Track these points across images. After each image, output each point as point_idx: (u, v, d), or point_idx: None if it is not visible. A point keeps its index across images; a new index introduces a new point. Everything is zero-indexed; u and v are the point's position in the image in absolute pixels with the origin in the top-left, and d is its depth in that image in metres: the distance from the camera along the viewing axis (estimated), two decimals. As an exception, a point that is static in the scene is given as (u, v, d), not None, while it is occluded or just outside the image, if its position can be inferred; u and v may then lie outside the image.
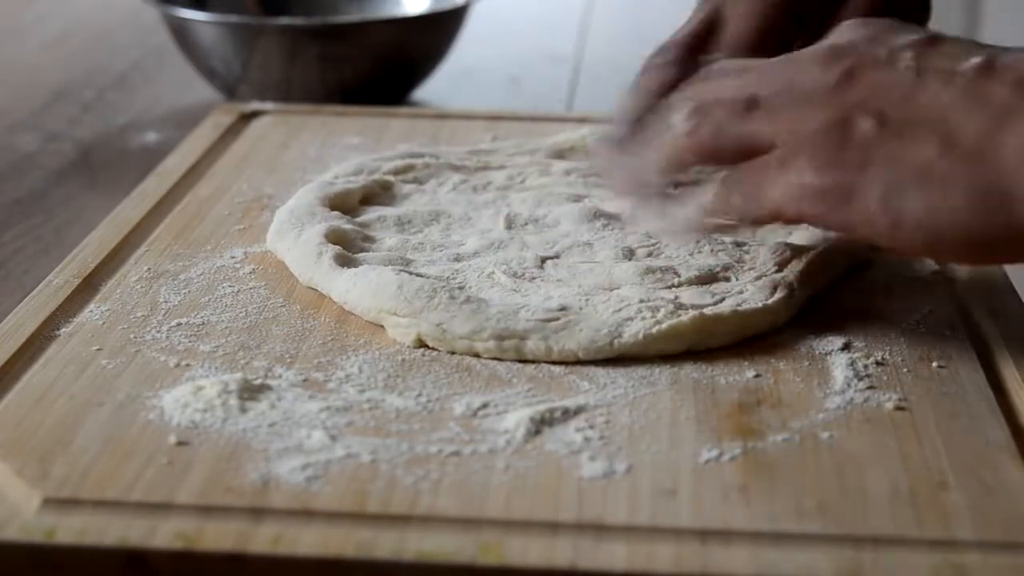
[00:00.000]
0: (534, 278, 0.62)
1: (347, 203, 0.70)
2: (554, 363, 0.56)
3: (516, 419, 0.52)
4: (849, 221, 0.53)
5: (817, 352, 0.58)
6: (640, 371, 0.56)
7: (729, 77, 0.58)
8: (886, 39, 0.55)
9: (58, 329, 0.59)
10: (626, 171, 0.61)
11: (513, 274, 0.62)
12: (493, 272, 0.62)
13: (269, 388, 0.54)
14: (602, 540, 0.45)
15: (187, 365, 0.56)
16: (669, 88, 0.62)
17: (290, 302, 0.62)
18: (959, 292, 0.63)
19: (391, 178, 0.74)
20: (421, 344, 0.58)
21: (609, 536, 0.45)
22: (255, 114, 0.87)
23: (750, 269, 0.62)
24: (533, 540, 0.45)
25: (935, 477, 0.49)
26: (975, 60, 0.52)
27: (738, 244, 0.65)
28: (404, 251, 0.65)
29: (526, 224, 0.69)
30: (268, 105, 0.89)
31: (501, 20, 1.25)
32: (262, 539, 0.45)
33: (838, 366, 0.56)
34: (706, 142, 0.57)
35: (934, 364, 0.57)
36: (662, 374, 0.56)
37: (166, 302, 0.62)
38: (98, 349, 0.57)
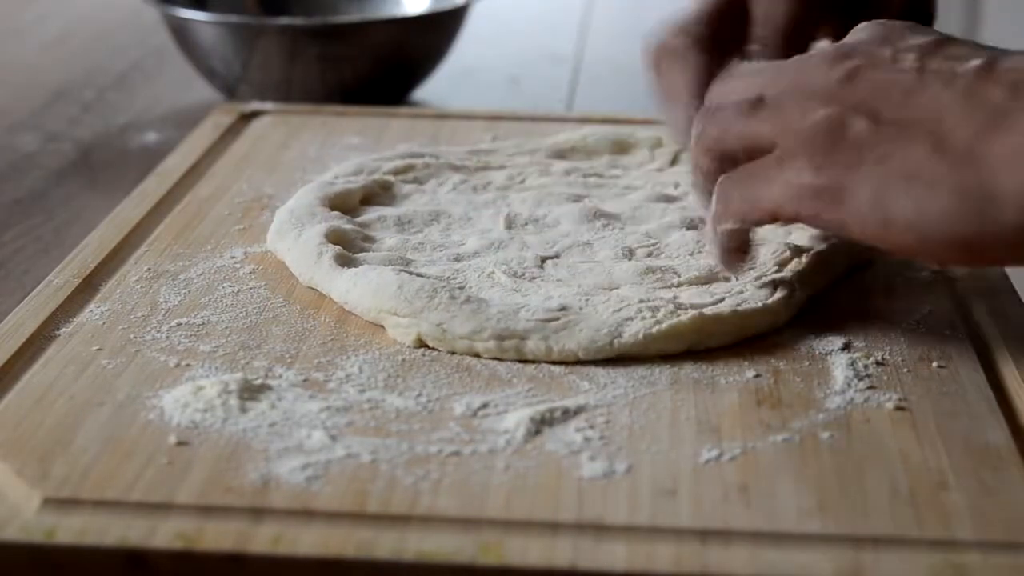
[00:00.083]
0: (534, 278, 0.62)
1: (347, 203, 0.70)
2: (554, 363, 0.56)
3: (516, 419, 0.52)
4: (842, 220, 0.53)
5: (817, 352, 0.58)
6: (640, 371, 0.56)
7: (742, 78, 0.59)
8: (895, 40, 0.55)
9: (58, 329, 0.59)
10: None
11: (513, 274, 0.62)
12: (493, 272, 0.62)
13: (269, 388, 0.54)
14: (602, 540, 0.45)
15: (187, 365, 0.56)
16: (698, 83, 0.62)
17: (290, 302, 0.62)
18: (959, 292, 0.63)
19: (391, 178, 0.74)
20: (421, 344, 0.58)
21: (609, 536, 0.45)
22: (255, 114, 0.87)
23: (750, 269, 0.62)
24: (533, 540, 0.45)
25: (935, 477, 0.49)
26: (976, 62, 0.52)
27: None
28: (404, 251, 0.65)
29: (526, 224, 0.69)
30: (268, 105, 0.89)
31: (501, 20, 1.25)
32: (262, 539, 0.45)
33: (838, 366, 0.56)
34: (713, 145, 0.58)
35: (934, 364, 0.57)
36: (662, 374, 0.56)
37: (166, 302, 0.62)
38: (98, 349, 0.57)
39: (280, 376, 0.55)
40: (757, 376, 0.56)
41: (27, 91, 1.06)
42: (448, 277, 0.62)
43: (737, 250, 0.59)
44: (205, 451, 0.50)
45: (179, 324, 0.59)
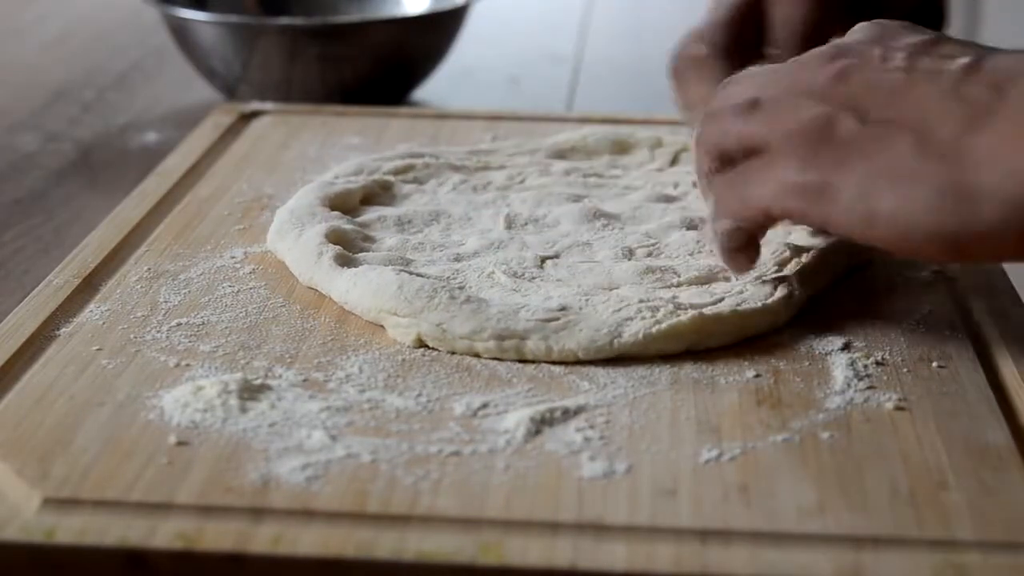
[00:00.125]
0: (534, 278, 0.62)
1: (347, 203, 0.70)
2: (554, 363, 0.56)
3: (516, 419, 0.52)
4: (828, 217, 0.54)
5: (817, 352, 0.58)
6: (640, 371, 0.56)
7: (742, 82, 0.59)
8: (887, 40, 0.56)
9: (58, 329, 0.59)
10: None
11: (513, 274, 0.62)
12: (493, 272, 0.62)
13: (269, 388, 0.54)
14: (602, 540, 0.45)
15: (187, 365, 0.56)
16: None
17: (290, 302, 0.62)
18: (959, 292, 0.63)
19: (391, 178, 0.74)
20: (421, 344, 0.58)
21: (609, 536, 0.45)
22: (255, 114, 0.87)
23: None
24: (533, 540, 0.45)
25: (935, 477, 0.49)
26: (963, 61, 0.53)
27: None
28: (404, 251, 0.65)
29: (526, 224, 0.69)
30: (268, 105, 0.89)
31: (501, 20, 1.25)
32: (262, 539, 0.45)
33: (838, 366, 0.56)
34: (712, 148, 0.59)
35: (934, 364, 0.57)
36: (662, 374, 0.56)
37: (166, 302, 0.62)
38: (98, 349, 0.57)
39: (280, 376, 0.55)
40: (757, 376, 0.56)
41: (27, 91, 1.06)
42: (448, 277, 0.62)
43: (738, 250, 0.59)
44: (205, 451, 0.50)
45: (179, 324, 0.59)
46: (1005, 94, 0.50)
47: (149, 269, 0.65)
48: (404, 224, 0.68)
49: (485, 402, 0.53)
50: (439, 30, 1.00)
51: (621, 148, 0.79)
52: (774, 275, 0.61)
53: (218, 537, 0.45)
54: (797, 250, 0.64)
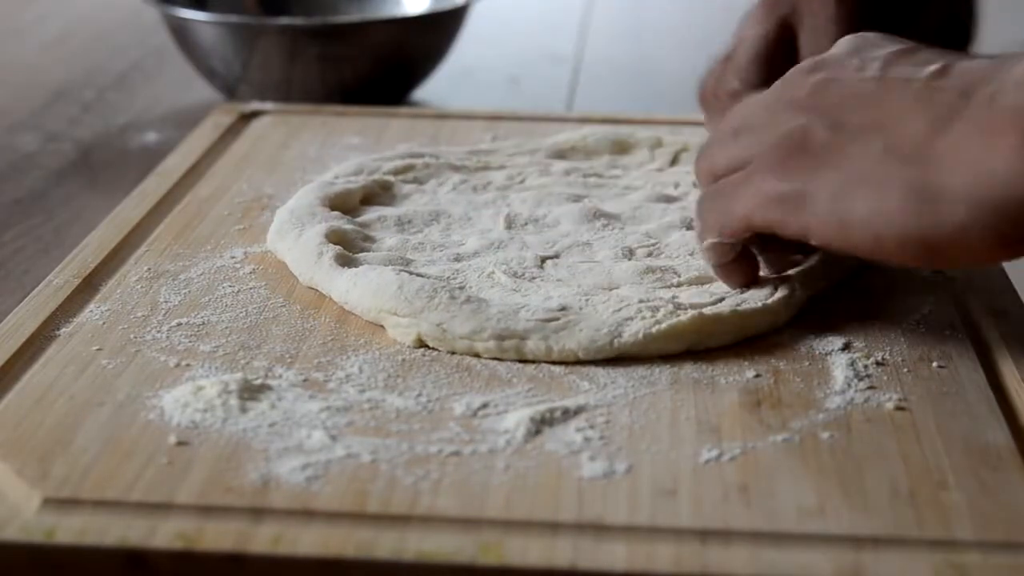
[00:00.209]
0: (534, 278, 0.62)
1: (347, 203, 0.70)
2: (554, 363, 0.56)
3: (516, 419, 0.52)
4: (805, 225, 0.55)
5: (817, 352, 0.58)
6: (640, 371, 0.56)
7: (736, 111, 0.61)
8: (864, 50, 0.57)
9: (58, 329, 0.59)
10: None
11: (513, 274, 0.62)
12: (493, 272, 0.62)
13: (269, 388, 0.54)
14: (602, 540, 0.45)
15: (187, 365, 0.56)
16: None
17: (290, 302, 0.62)
18: (959, 292, 0.63)
19: (391, 178, 0.74)
20: (421, 344, 0.58)
21: (609, 536, 0.45)
22: (255, 114, 0.87)
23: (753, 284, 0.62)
24: (533, 540, 0.45)
25: (935, 477, 0.49)
26: (933, 66, 0.53)
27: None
28: (404, 251, 0.65)
29: (526, 224, 0.69)
30: (268, 105, 0.89)
31: (501, 20, 1.26)
32: (262, 539, 0.45)
33: (838, 366, 0.56)
34: (706, 175, 0.60)
35: (934, 364, 0.57)
36: (662, 374, 0.56)
37: (166, 302, 0.62)
38: (98, 349, 0.57)
39: (280, 376, 0.55)
40: (757, 376, 0.56)
41: (27, 91, 1.06)
42: (448, 277, 0.62)
43: (727, 265, 0.60)
44: (205, 451, 0.50)
45: (179, 324, 0.59)
46: (970, 98, 0.51)
47: (149, 269, 0.65)
48: (404, 224, 0.68)
49: (485, 402, 0.53)
50: (439, 30, 1.00)
51: (621, 148, 0.79)
52: (775, 275, 0.61)
53: (218, 537, 0.45)
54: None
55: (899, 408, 0.53)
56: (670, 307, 0.58)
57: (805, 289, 0.61)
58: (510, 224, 0.68)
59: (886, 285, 0.64)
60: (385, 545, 0.45)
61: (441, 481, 0.48)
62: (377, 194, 0.72)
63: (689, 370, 0.56)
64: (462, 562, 0.44)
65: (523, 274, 0.63)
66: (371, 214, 0.69)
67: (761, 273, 0.61)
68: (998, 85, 0.50)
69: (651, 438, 0.51)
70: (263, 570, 0.44)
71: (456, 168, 0.75)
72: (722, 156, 0.59)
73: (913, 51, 0.55)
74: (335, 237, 0.65)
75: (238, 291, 0.63)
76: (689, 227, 0.67)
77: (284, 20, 1.00)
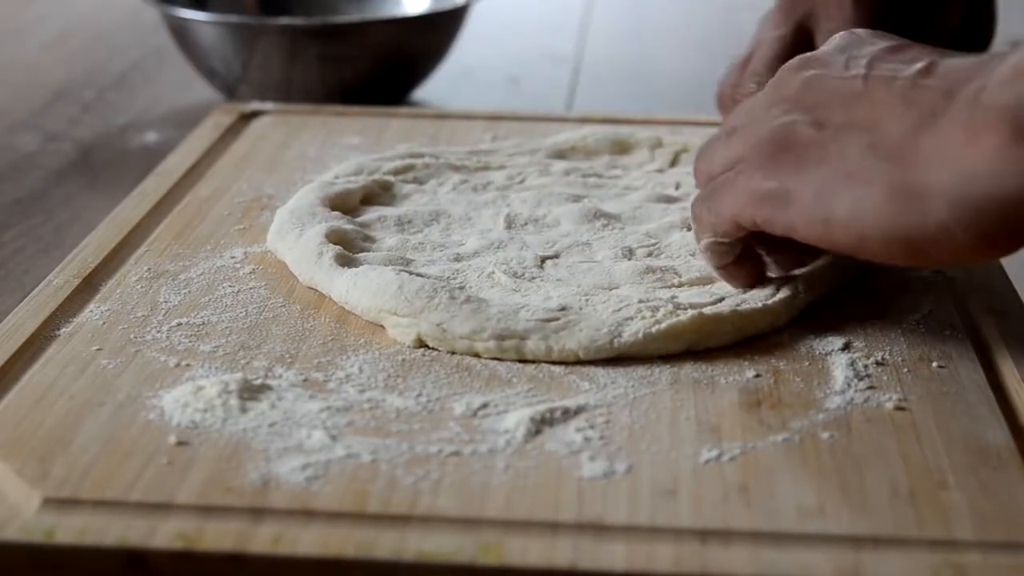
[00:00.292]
0: (534, 278, 0.62)
1: (347, 203, 0.70)
2: (554, 363, 0.56)
3: (516, 419, 0.52)
4: (791, 222, 0.55)
5: (817, 352, 0.58)
6: (640, 371, 0.56)
7: (733, 114, 0.61)
8: (852, 48, 0.57)
9: (58, 329, 0.59)
10: None
11: (513, 274, 0.62)
12: (493, 272, 0.62)
13: (269, 388, 0.54)
14: (602, 540, 0.45)
15: (187, 365, 0.56)
16: None
17: (290, 302, 0.62)
18: (959, 292, 0.63)
19: (391, 178, 0.74)
20: (421, 344, 0.58)
21: (609, 536, 0.45)
22: (255, 114, 0.87)
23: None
24: (533, 540, 0.45)
25: (935, 477, 0.49)
26: (918, 65, 0.53)
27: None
28: (404, 251, 0.65)
29: (526, 224, 0.69)
30: (268, 105, 0.89)
31: (501, 20, 1.26)
32: (262, 539, 0.45)
33: (838, 366, 0.56)
34: (704, 178, 0.61)
35: (934, 364, 0.57)
36: (662, 374, 0.56)
37: (166, 302, 0.62)
38: (98, 349, 0.57)
39: (280, 376, 0.55)
40: (757, 376, 0.56)
41: (27, 91, 1.06)
42: (448, 277, 0.62)
43: (728, 266, 0.60)
44: (205, 451, 0.50)
45: (179, 324, 0.59)
46: (954, 97, 0.51)
47: (149, 269, 0.65)
48: (404, 224, 0.68)
49: (485, 402, 0.53)
50: (439, 30, 1.00)
51: (621, 148, 0.79)
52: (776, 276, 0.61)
53: (218, 537, 0.45)
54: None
55: (899, 408, 0.53)
56: (670, 307, 0.58)
57: (809, 292, 0.61)
58: (510, 224, 0.68)
59: (886, 285, 0.64)
60: (385, 545, 0.45)
61: (441, 481, 0.48)
62: (377, 194, 0.72)
63: (689, 370, 0.56)
64: (462, 562, 0.44)
65: (523, 274, 0.63)
66: (371, 214, 0.69)
67: (769, 274, 0.61)
68: (982, 84, 0.50)
69: (651, 438, 0.51)
70: (263, 570, 0.44)
71: (456, 168, 0.75)
72: (717, 156, 0.59)
73: (901, 49, 0.55)
74: (335, 237, 0.65)
75: (238, 291, 0.63)
76: (689, 228, 0.67)
77: (284, 20, 1.00)
